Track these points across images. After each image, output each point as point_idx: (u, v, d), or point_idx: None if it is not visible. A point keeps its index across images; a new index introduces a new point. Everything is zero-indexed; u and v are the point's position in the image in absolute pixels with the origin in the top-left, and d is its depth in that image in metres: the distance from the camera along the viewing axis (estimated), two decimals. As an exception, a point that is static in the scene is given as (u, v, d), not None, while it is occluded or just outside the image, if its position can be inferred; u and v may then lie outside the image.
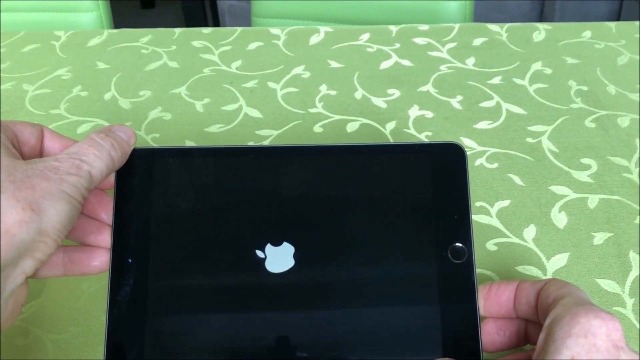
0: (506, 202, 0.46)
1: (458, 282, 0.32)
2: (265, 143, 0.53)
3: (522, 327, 0.32)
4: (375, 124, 0.54)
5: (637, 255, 0.42)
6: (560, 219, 0.45)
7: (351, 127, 0.54)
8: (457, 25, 0.68)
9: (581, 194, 0.47)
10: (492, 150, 0.51)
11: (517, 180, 0.48)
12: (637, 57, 0.62)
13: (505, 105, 0.56)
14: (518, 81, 0.59)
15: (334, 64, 0.63)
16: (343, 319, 0.32)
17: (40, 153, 0.33)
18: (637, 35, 0.65)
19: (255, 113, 0.56)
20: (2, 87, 0.62)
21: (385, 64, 0.62)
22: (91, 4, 0.96)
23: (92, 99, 0.59)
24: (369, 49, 0.65)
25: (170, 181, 0.34)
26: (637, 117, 0.54)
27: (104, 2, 0.97)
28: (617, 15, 1.72)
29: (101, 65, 0.64)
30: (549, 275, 0.41)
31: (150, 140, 0.53)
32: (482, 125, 0.54)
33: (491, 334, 0.32)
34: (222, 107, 0.57)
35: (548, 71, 0.60)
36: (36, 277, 0.32)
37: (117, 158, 0.32)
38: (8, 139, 0.31)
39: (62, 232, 0.29)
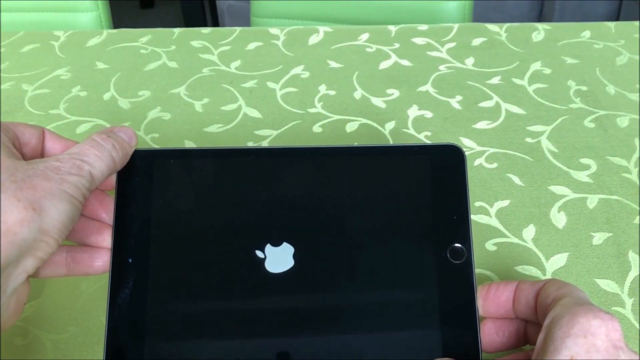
0: (505, 202, 0.46)
1: (457, 283, 0.32)
2: (265, 143, 0.53)
3: (522, 327, 0.32)
4: (375, 124, 0.54)
5: (637, 255, 0.42)
6: (559, 219, 0.45)
7: (350, 127, 0.54)
8: (456, 25, 0.68)
9: (580, 194, 0.47)
10: (492, 150, 0.51)
11: (516, 180, 0.48)
12: (637, 57, 0.62)
13: (505, 105, 0.56)
14: (517, 81, 0.59)
15: (333, 64, 0.63)
16: (342, 318, 0.32)
17: (42, 154, 0.33)
18: (637, 35, 0.65)
19: (254, 113, 0.56)
20: (2, 87, 0.61)
21: (384, 64, 0.62)
22: (90, 4, 0.96)
23: (91, 99, 0.59)
24: (368, 49, 0.65)
25: (170, 182, 0.34)
26: (636, 117, 0.54)
27: (103, 2, 0.97)
28: (617, 15, 1.73)
29: (100, 65, 0.64)
30: (549, 275, 0.41)
31: (150, 140, 0.53)
32: (482, 125, 0.54)
33: (490, 334, 0.32)
34: (221, 107, 0.57)
35: (547, 71, 0.60)
36: (39, 277, 0.32)
37: (118, 159, 0.32)
38: (9, 140, 0.31)
39: (63, 232, 0.29)
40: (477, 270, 0.41)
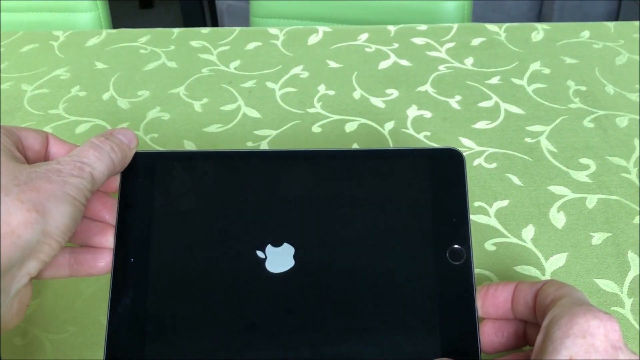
0: (505, 202, 0.46)
1: (457, 284, 0.32)
2: (264, 143, 0.53)
3: (521, 328, 0.32)
4: (374, 124, 0.54)
5: (636, 255, 0.42)
6: (558, 219, 0.45)
7: (350, 127, 0.54)
8: (455, 25, 0.68)
9: (580, 194, 0.47)
10: (491, 150, 0.51)
11: (515, 180, 0.48)
12: (636, 57, 0.62)
13: (504, 105, 0.56)
14: (516, 81, 0.59)
15: (332, 64, 0.63)
16: (342, 319, 0.32)
17: (45, 159, 0.34)
18: (636, 35, 0.65)
19: (253, 113, 0.56)
20: (1, 87, 0.61)
21: (383, 64, 0.62)
22: (90, 4, 0.96)
23: (90, 99, 0.59)
24: (367, 49, 0.65)
25: (173, 183, 0.34)
26: (636, 117, 0.54)
27: (102, 2, 0.97)
28: (616, 15, 1.73)
29: (100, 65, 0.64)
30: (548, 275, 0.41)
31: (149, 140, 0.53)
32: (481, 125, 0.54)
33: (490, 334, 0.32)
34: (220, 107, 0.57)
35: (546, 71, 0.60)
36: (42, 278, 0.33)
37: (118, 160, 0.33)
38: (13, 144, 0.31)
39: (65, 234, 0.29)
40: (477, 270, 0.41)
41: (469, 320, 0.31)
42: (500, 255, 0.42)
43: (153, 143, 0.53)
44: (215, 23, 2.06)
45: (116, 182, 0.34)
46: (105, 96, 0.60)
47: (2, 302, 0.28)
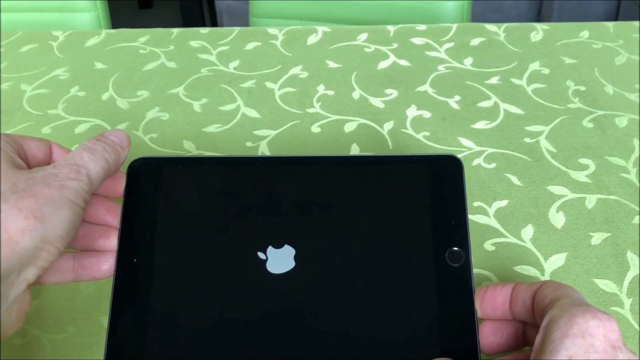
0: (504, 202, 0.46)
1: (456, 285, 0.32)
2: (263, 143, 0.53)
3: (520, 328, 0.32)
4: (373, 124, 0.54)
5: (635, 255, 0.42)
6: (558, 219, 0.45)
7: (349, 127, 0.54)
8: (454, 25, 0.68)
9: (579, 194, 0.47)
10: (490, 150, 0.51)
11: (514, 180, 0.48)
12: (635, 57, 0.62)
13: (503, 105, 0.56)
14: (516, 81, 0.59)
15: (331, 64, 0.63)
16: (342, 319, 0.32)
17: None
18: (635, 35, 0.65)
19: (253, 113, 0.56)
20: (0, 87, 0.61)
21: (383, 64, 0.62)
22: (89, 4, 0.96)
23: (89, 99, 0.59)
24: (366, 49, 0.65)
25: (176, 187, 0.35)
26: (635, 117, 0.54)
27: (101, 2, 0.97)
28: (615, 15, 1.73)
29: (99, 65, 0.64)
30: (547, 276, 0.41)
31: (148, 140, 0.53)
32: (480, 125, 0.54)
33: (489, 335, 0.32)
34: (219, 107, 0.57)
35: (546, 71, 0.60)
36: (47, 284, 0.33)
37: (112, 160, 0.33)
38: (14, 150, 0.31)
39: (64, 239, 0.30)
40: (476, 271, 0.41)
41: (468, 321, 0.31)
42: (499, 256, 0.42)
43: (152, 143, 0.53)
44: (214, 23, 2.06)
45: (120, 187, 0.35)
46: (105, 96, 0.60)
47: (1, 308, 0.28)
